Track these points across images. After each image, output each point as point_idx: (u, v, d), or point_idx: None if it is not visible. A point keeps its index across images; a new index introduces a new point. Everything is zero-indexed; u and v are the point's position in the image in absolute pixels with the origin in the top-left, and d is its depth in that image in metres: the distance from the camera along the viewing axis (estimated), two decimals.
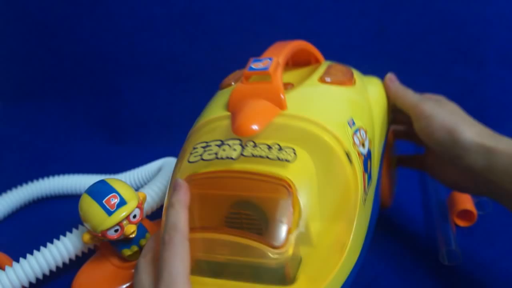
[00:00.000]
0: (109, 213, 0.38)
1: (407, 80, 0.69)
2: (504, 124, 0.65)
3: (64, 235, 0.43)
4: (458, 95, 0.68)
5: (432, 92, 0.67)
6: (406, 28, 0.65)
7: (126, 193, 0.39)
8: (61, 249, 0.41)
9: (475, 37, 0.64)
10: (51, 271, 0.42)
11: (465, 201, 0.47)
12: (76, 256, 0.43)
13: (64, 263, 0.42)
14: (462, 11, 0.64)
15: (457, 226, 0.47)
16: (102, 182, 0.41)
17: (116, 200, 0.39)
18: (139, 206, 0.40)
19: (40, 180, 0.57)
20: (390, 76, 0.45)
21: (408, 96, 0.43)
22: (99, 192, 0.40)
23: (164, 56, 0.70)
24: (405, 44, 0.66)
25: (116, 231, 0.39)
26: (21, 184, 0.57)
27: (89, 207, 0.39)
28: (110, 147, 0.70)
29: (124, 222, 0.39)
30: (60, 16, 0.70)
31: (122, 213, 0.38)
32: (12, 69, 0.75)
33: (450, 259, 0.42)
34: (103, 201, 0.39)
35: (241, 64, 0.69)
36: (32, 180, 0.57)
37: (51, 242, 0.42)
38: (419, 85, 0.68)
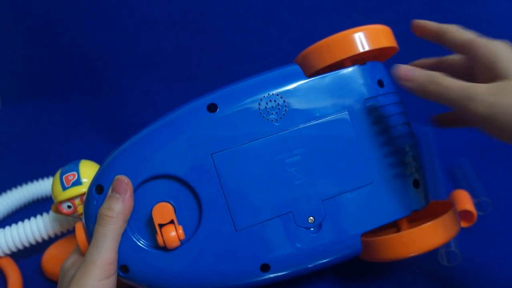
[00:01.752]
0: (64, 188, 0.42)
1: None
2: None
3: None
4: None
5: None
6: (407, 27, 0.65)
7: (87, 176, 0.42)
8: (39, 225, 0.45)
9: None
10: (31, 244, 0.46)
11: (465, 202, 0.47)
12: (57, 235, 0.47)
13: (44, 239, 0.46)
14: (463, 10, 0.63)
15: None
16: (75, 162, 0.44)
17: (72, 178, 0.42)
18: None
19: (40, 180, 0.57)
20: (400, 70, 0.34)
21: (449, 91, 0.31)
22: (65, 168, 0.43)
23: (164, 56, 0.70)
24: (405, 44, 0.66)
25: (69, 207, 0.42)
26: (21, 184, 0.57)
27: (54, 179, 0.43)
28: (110, 146, 0.70)
29: (77, 201, 0.42)
30: (61, 16, 0.70)
31: (74, 191, 0.42)
32: (13, 69, 0.75)
33: (450, 260, 0.42)
34: (63, 176, 0.42)
35: (241, 64, 0.69)
36: (32, 180, 0.57)
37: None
38: None
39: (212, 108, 0.36)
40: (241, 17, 0.66)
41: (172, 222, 0.34)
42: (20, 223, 0.46)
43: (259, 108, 0.36)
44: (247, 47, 0.67)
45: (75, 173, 0.42)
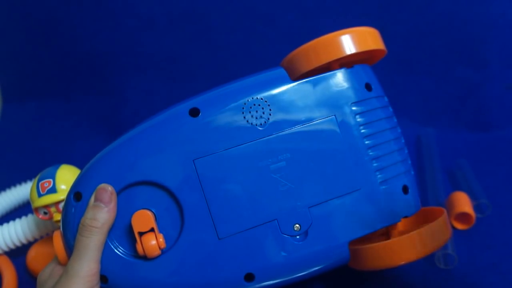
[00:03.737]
0: (39, 195, 0.41)
1: (408, 81, 0.69)
2: (507, 125, 0.64)
3: None
4: (460, 96, 0.68)
5: (434, 92, 0.67)
6: (407, 27, 0.65)
7: (63, 183, 0.41)
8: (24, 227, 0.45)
9: (478, 37, 0.64)
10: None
11: (464, 204, 0.47)
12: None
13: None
14: (465, 10, 0.63)
15: (455, 229, 0.46)
16: (56, 166, 0.44)
17: (48, 186, 0.41)
18: None
19: None
20: None
21: None
22: (43, 174, 0.43)
23: (164, 55, 0.70)
24: (406, 44, 0.66)
25: (45, 213, 0.42)
26: (20, 183, 0.57)
27: (32, 183, 0.42)
28: None
29: (52, 208, 0.41)
30: (61, 16, 0.70)
31: (49, 199, 0.41)
32: (15, 68, 0.76)
33: (446, 262, 0.42)
34: (39, 183, 0.42)
35: (241, 64, 0.69)
36: (32, 180, 0.58)
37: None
38: (421, 86, 0.68)
39: (194, 112, 0.35)
40: (241, 17, 0.66)
41: (152, 230, 0.33)
42: (5, 224, 0.46)
43: (243, 113, 0.35)
44: (247, 47, 0.67)
45: (50, 180, 0.42)
